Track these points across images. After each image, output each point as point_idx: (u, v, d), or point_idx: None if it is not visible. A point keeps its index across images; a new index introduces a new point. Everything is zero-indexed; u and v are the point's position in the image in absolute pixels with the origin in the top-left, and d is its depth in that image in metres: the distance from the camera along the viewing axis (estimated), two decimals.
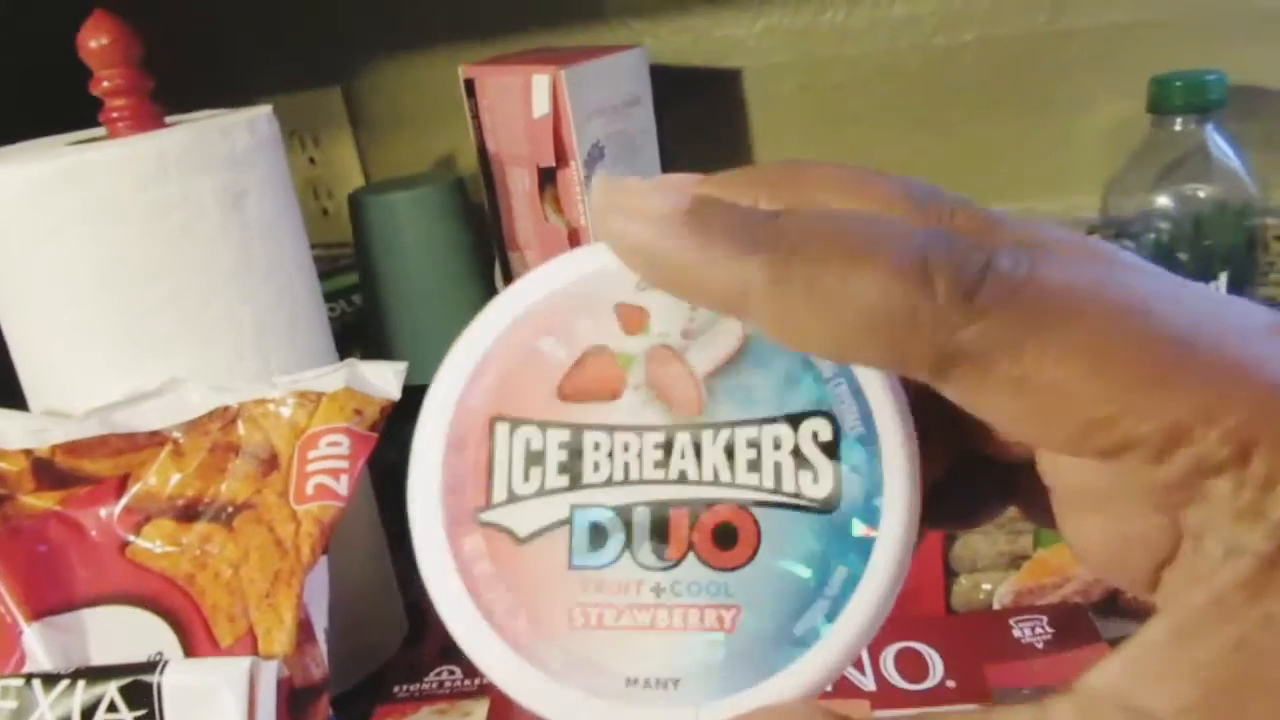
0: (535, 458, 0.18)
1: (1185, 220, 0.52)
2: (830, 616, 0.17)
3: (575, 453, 0.18)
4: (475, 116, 0.57)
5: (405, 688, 0.42)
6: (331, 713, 0.38)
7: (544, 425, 0.18)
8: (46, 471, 0.41)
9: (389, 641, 0.50)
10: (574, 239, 0.55)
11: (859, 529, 0.17)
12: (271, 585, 0.38)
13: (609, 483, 0.18)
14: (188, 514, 0.41)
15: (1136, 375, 0.14)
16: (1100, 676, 0.15)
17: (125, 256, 0.41)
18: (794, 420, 0.18)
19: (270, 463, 0.41)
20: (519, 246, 0.58)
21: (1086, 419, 0.15)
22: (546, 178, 0.54)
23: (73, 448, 0.41)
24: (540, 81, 0.51)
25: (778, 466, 0.18)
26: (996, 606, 0.44)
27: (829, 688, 0.17)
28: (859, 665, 0.40)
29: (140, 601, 0.39)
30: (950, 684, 0.38)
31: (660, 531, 0.18)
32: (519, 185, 0.56)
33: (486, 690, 0.41)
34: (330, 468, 0.40)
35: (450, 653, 0.49)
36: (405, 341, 0.58)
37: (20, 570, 0.39)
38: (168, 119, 0.45)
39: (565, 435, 0.18)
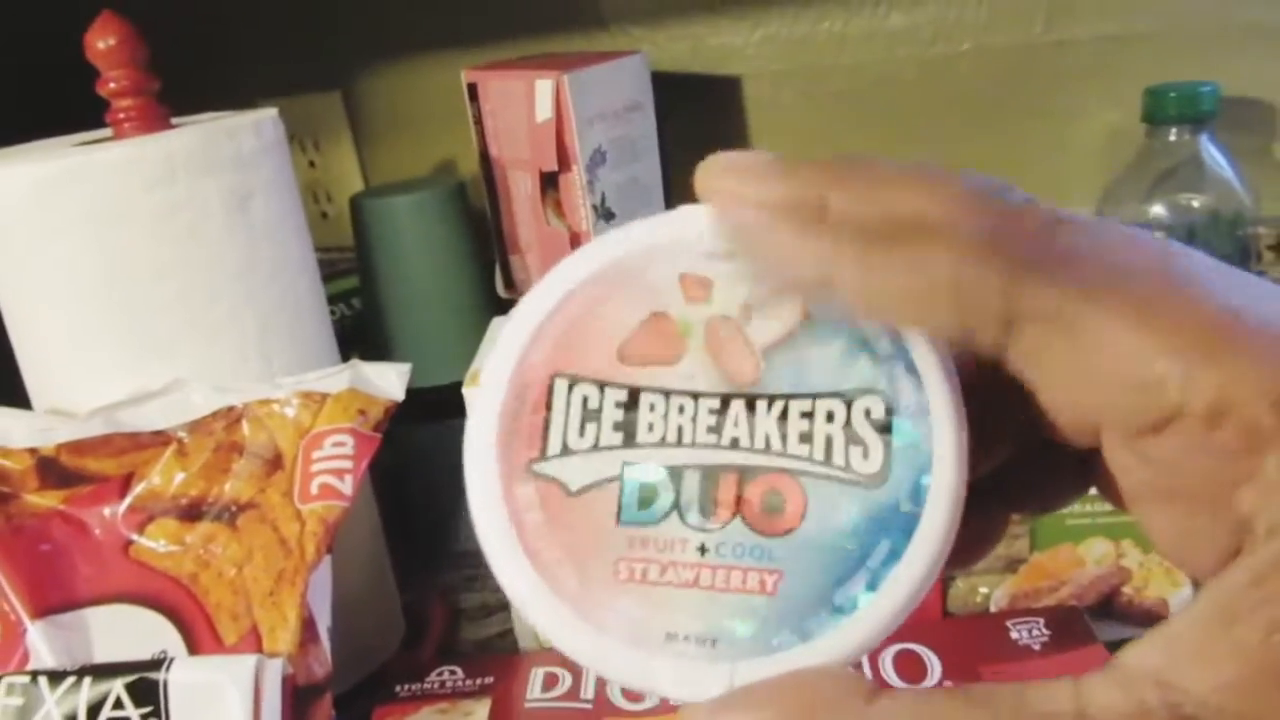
0: (591, 415, 0.18)
1: (1179, 230, 0.53)
2: (870, 587, 0.18)
3: (631, 412, 0.18)
4: (477, 121, 0.57)
5: (406, 687, 0.42)
6: (334, 713, 0.39)
7: (602, 384, 0.19)
8: (51, 470, 0.41)
9: (386, 644, 0.50)
10: (575, 243, 0.55)
11: (905, 506, 0.18)
12: (275, 584, 0.38)
13: (662, 444, 0.18)
14: (191, 513, 0.41)
15: (1189, 340, 0.15)
16: (1138, 653, 0.15)
17: (131, 257, 0.41)
18: (847, 397, 0.18)
19: (274, 463, 0.41)
20: (520, 250, 0.59)
21: (1139, 381, 0.15)
22: (548, 182, 0.55)
23: (77, 447, 0.41)
24: (544, 86, 0.52)
25: (829, 439, 0.18)
26: (993, 609, 0.45)
27: (863, 658, 0.18)
28: (856, 666, 0.40)
29: (144, 600, 0.39)
30: (948, 685, 0.39)
31: (709, 494, 0.18)
32: (521, 189, 0.56)
33: (488, 690, 0.41)
34: (335, 468, 0.40)
35: (451, 654, 0.49)
36: (405, 345, 0.58)
37: (24, 569, 0.39)
38: (173, 120, 0.45)
39: (622, 395, 0.18)
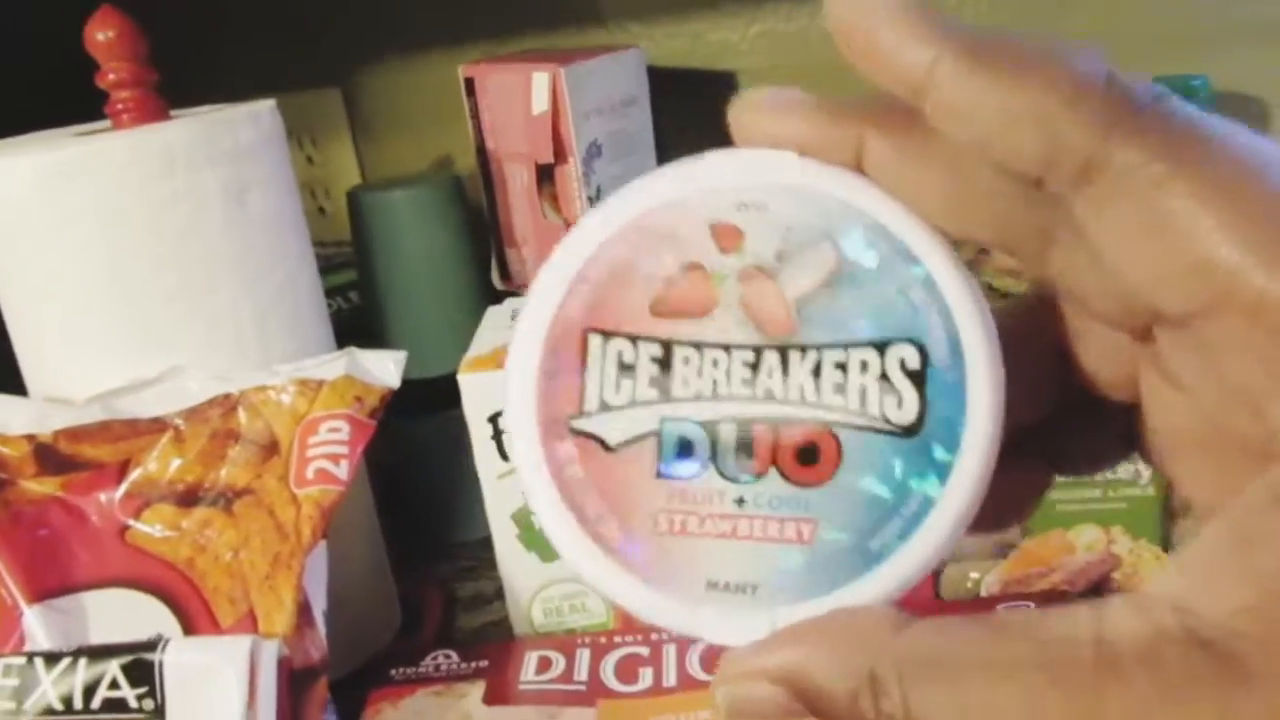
0: (627, 370, 0.19)
1: None
2: (904, 535, 0.18)
3: (666, 367, 0.19)
4: (474, 115, 0.57)
5: (401, 671, 0.42)
6: (329, 696, 0.39)
7: (636, 339, 0.19)
8: (48, 457, 0.41)
9: (383, 632, 0.51)
10: None
11: (939, 454, 0.18)
12: (271, 567, 0.39)
13: (697, 397, 0.19)
14: (188, 499, 0.41)
15: (1255, 232, 0.15)
16: (1158, 579, 0.15)
17: (130, 247, 0.42)
18: (882, 346, 0.18)
19: (270, 449, 0.42)
20: (517, 243, 0.59)
21: (1196, 258, 0.15)
22: (544, 175, 0.55)
23: (74, 434, 0.41)
24: (540, 79, 0.52)
25: (863, 390, 0.18)
26: (984, 595, 0.45)
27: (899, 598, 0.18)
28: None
29: (140, 585, 0.40)
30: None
31: (745, 446, 0.18)
32: (517, 182, 0.56)
33: (482, 673, 0.42)
34: (330, 453, 0.41)
35: (447, 641, 0.50)
36: (402, 337, 0.58)
37: (21, 553, 0.39)
38: (172, 113, 0.46)
39: (656, 349, 0.19)
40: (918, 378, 0.18)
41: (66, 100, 0.49)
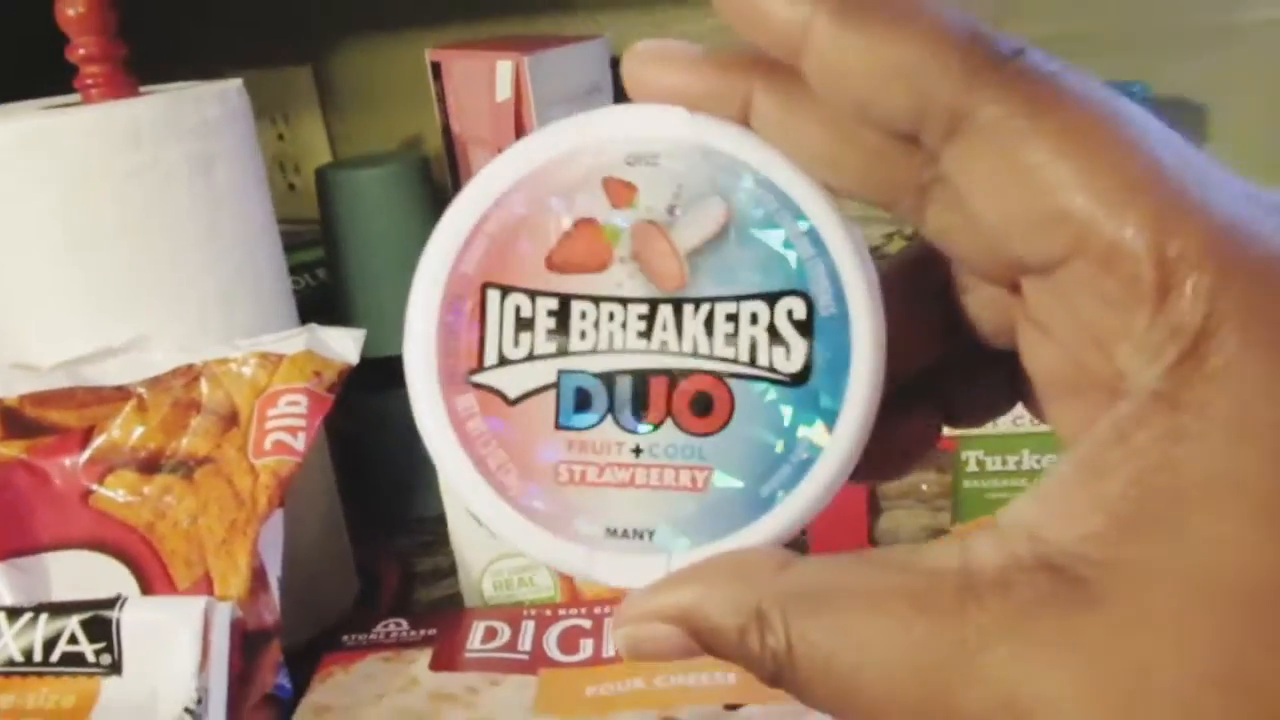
0: (525, 324, 0.19)
1: None
2: (793, 481, 0.19)
3: (563, 321, 0.19)
4: (441, 99, 0.59)
5: (354, 637, 0.44)
6: (281, 659, 0.41)
7: (533, 294, 0.19)
8: (14, 421, 0.42)
9: (340, 601, 0.52)
10: None
11: (825, 402, 0.19)
12: (228, 533, 0.40)
13: (594, 350, 0.19)
14: (149, 466, 0.42)
15: (1109, 182, 0.15)
16: (1014, 511, 0.16)
17: (95, 219, 0.43)
18: (770, 298, 0.19)
19: (230, 419, 0.43)
20: None
21: (1055, 209, 0.16)
22: None
23: (40, 399, 0.43)
24: (504, 67, 0.54)
25: (753, 340, 0.19)
26: None
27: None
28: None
29: (102, 547, 0.41)
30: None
31: (641, 398, 0.19)
32: (480, 166, 0.58)
33: (431, 641, 0.43)
34: (288, 425, 0.42)
35: (402, 611, 0.51)
36: (366, 314, 0.60)
37: None
38: (141, 89, 0.47)
39: (553, 304, 0.19)
40: (804, 328, 0.19)
41: (41, 74, 0.50)
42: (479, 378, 0.19)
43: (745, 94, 0.19)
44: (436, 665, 0.42)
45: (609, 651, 0.42)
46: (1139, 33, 0.61)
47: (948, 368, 0.22)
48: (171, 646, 0.36)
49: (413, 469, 0.59)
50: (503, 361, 0.19)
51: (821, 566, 0.18)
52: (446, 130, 0.59)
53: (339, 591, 0.53)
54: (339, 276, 0.61)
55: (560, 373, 0.19)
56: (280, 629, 0.40)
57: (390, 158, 0.61)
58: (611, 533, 0.19)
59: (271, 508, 0.41)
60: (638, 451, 0.19)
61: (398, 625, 0.45)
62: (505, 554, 0.48)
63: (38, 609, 0.37)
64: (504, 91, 0.54)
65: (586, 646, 0.43)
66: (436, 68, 0.58)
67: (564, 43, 0.56)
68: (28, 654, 0.36)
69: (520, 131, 0.55)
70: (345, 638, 0.44)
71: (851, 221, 0.19)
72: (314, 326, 0.45)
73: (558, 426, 0.19)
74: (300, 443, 0.42)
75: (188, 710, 0.35)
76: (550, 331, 0.19)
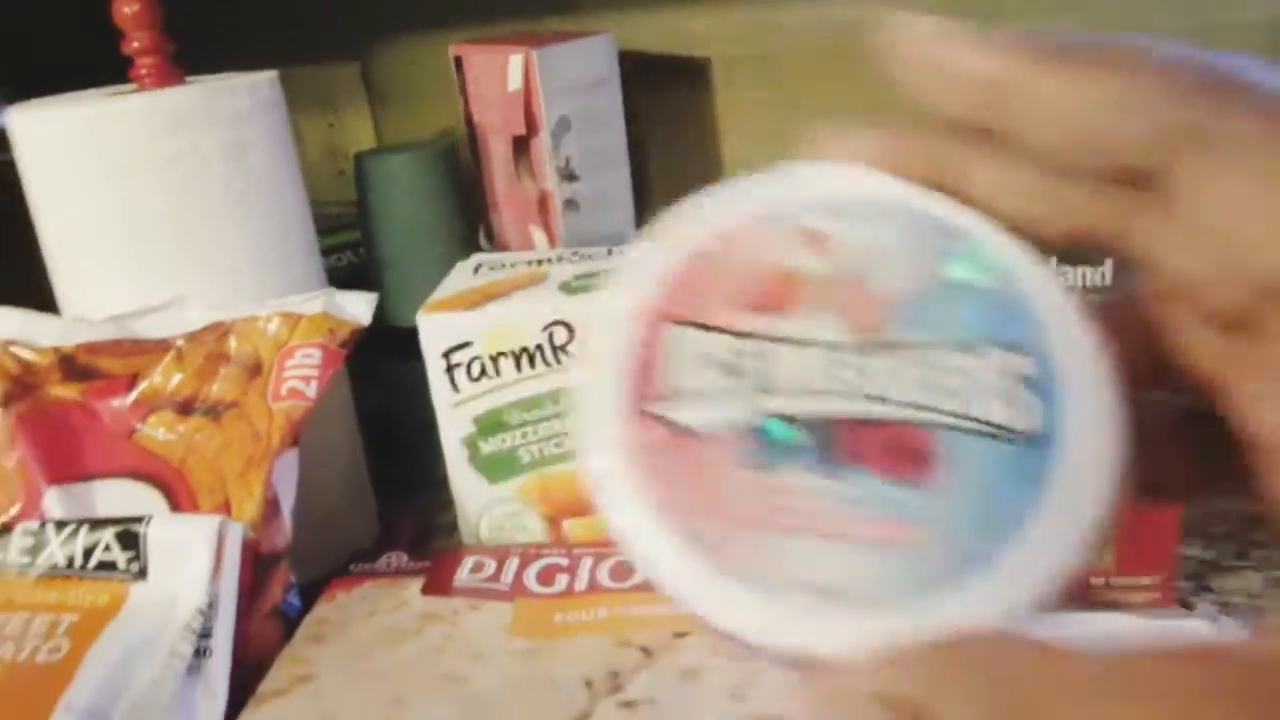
0: (708, 360, 0.19)
1: None
2: (1004, 541, 0.17)
3: (752, 361, 0.18)
4: (463, 90, 0.64)
5: (360, 566, 0.50)
6: (292, 579, 0.46)
7: (721, 331, 0.19)
8: (70, 367, 0.49)
9: (361, 542, 0.58)
10: (542, 201, 0.62)
11: (1043, 460, 0.17)
12: (245, 466, 0.46)
13: (788, 393, 0.18)
14: (185, 408, 0.49)
15: None
16: None
17: (142, 196, 0.49)
18: (979, 349, 0.18)
19: (255, 370, 0.49)
20: (497, 207, 0.66)
21: None
22: (522, 146, 0.62)
23: (92, 348, 0.49)
24: (515, 60, 0.59)
25: (959, 392, 0.18)
26: None
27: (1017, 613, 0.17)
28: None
29: (141, 476, 0.47)
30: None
31: (833, 444, 0.18)
32: (497, 152, 0.63)
33: (424, 571, 0.48)
34: (303, 375, 0.48)
35: (413, 545, 0.56)
36: (394, 289, 0.66)
37: (45, 446, 0.47)
38: (188, 79, 0.53)
39: (742, 344, 0.19)
40: (1019, 381, 0.18)
41: (108, 63, 0.56)
42: (663, 411, 0.18)
43: (932, 156, 0.19)
44: (427, 590, 0.47)
45: (580, 586, 0.47)
46: (1138, 32, 0.63)
47: (1151, 437, 0.19)
48: (189, 557, 0.42)
49: (434, 430, 0.65)
50: (689, 398, 0.18)
51: (1107, 667, 0.14)
52: (469, 118, 0.65)
53: (360, 534, 0.58)
54: (372, 253, 0.67)
55: (747, 413, 0.18)
56: (290, 551, 0.46)
57: (421, 145, 0.67)
58: (796, 586, 0.17)
59: (284, 445, 0.46)
60: (826, 500, 0.18)
61: (399, 558, 0.50)
62: (499, 500, 0.53)
63: (80, 522, 0.43)
64: (515, 82, 0.59)
65: (561, 581, 0.47)
66: (459, 61, 0.63)
67: (572, 38, 0.61)
68: (70, 560, 0.42)
69: (531, 119, 0.60)
70: (352, 566, 0.50)
71: (1060, 275, 0.19)
72: (332, 290, 0.51)
73: (748, 468, 0.18)
74: (312, 390, 0.47)
75: (200, 611, 0.41)
76: (743, 372, 0.18)
